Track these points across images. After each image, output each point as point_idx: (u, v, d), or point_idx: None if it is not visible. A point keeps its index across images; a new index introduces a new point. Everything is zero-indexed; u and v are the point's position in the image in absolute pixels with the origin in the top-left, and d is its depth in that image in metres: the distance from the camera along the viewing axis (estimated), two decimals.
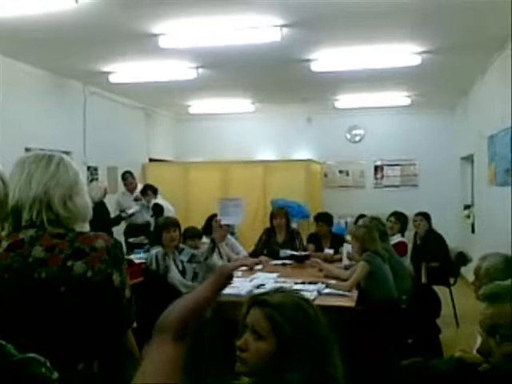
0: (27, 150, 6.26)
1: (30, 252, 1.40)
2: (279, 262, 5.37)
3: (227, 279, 1.14)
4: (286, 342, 1.39)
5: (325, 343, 1.43)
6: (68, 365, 1.26)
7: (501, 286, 1.63)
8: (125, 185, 7.60)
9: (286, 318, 1.41)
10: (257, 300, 1.49)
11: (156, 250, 4.24)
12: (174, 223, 4.39)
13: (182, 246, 4.47)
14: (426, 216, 6.42)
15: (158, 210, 6.83)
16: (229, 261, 5.29)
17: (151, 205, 7.04)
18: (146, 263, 4.29)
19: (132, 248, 6.23)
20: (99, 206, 6.60)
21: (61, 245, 1.41)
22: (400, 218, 5.95)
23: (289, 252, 5.43)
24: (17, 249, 1.40)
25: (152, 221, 6.77)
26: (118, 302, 1.45)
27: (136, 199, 7.27)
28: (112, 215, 7.21)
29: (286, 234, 5.71)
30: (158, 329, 0.76)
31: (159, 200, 7.28)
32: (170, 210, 6.99)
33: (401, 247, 5.45)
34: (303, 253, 5.33)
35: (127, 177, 7.56)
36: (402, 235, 5.88)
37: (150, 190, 7.29)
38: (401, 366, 1.77)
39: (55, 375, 0.82)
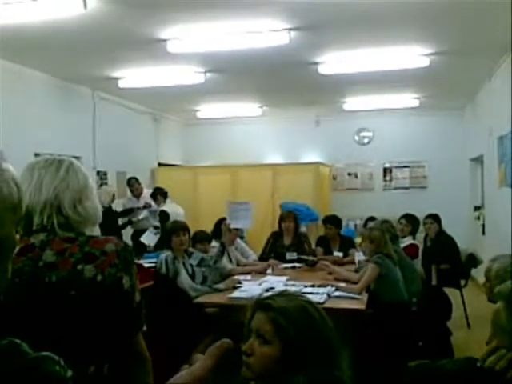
0: (37, 155, 6.31)
1: (41, 256, 1.41)
2: (288, 265, 5.37)
3: (226, 353, 1.14)
4: (291, 345, 1.39)
5: (331, 346, 1.43)
6: (79, 368, 1.27)
7: None
8: (131, 191, 7.65)
9: (290, 322, 1.41)
10: (261, 304, 1.48)
11: (165, 254, 4.26)
12: (182, 227, 4.41)
13: (191, 249, 4.48)
14: (436, 218, 6.38)
15: (163, 216, 6.85)
16: (238, 264, 5.30)
17: (158, 211, 7.07)
18: (156, 267, 4.31)
19: (141, 252, 6.25)
20: (107, 211, 6.64)
21: (71, 249, 1.42)
22: (411, 220, 5.91)
23: (295, 255, 5.43)
24: (28, 253, 1.41)
25: (159, 226, 6.83)
26: (128, 306, 1.44)
27: (145, 206, 7.30)
28: (119, 220, 7.26)
29: (294, 238, 5.70)
30: None
31: (169, 204, 7.31)
32: (178, 214, 7.01)
33: (412, 250, 5.41)
34: (310, 257, 5.31)
35: (133, 183, 7.61)
36: (413, 238, 5.84)
37: (159, 193, 7.32)
38: (408, 367, 1.76)
39: (69, 373, 0.84)
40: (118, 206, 7.40)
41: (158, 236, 6.87)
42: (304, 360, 1.36)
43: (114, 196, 7.14)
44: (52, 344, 1.11)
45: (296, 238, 5.71)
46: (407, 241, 5.62)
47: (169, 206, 7.23)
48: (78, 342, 1.34)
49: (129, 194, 7.76)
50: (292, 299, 1.50)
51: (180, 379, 0.85)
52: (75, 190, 1.49)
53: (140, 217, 7.24)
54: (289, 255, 5.49)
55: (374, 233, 4.40)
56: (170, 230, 4.40)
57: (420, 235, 6.45)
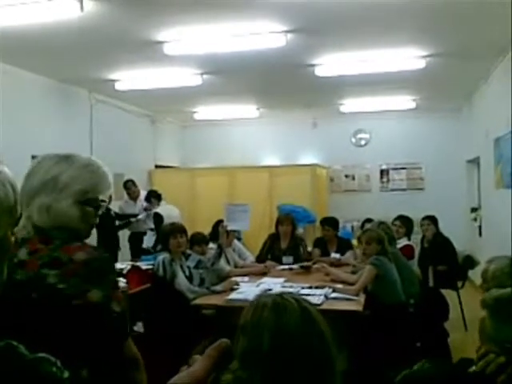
0: (33, 157, 6.30)
1: (17, 253, 1.39)
2: (286, 266, 5.38)
3: (224, 353, 1.13)
4: None
5: (328, 344, 1.42)
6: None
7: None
8: (127, 193, 7.61)
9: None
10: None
11: (163, 256, 4.26)
12: (180, 229, 4.41)
13: (188, 251, 4.49)
14: (433, 219, 6.40)
15: (158, 219, 6.84)
16: (235, 266, 5.30)
17: (152, 213, 7.05)
18: (154, 269, 4.31)
19: (139, 255, 6.25)
20: (105, 213, 6.64)
21: (42, 251, 1.40)
22: (405, 221, 5.94)
23: (291, 259, 5.46)
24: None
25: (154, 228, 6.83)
26: (104, 318, 1.39)
27: (146, 209, 7.28)
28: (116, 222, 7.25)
29: (290, 241, 5.70)
30: None
31: (163, 206, 7.30)
32: (173, 216, 6.98)
33: (407, 251, 5.43)
34: (305, 263, 5.31)
35: (130, 185, 7.59)
36: (409, 239, 5.87)
37: (153, 196, 7.31)
38: (390, 377, 1.76)
39: (66, 374, 0.84)
40: (115, 208, 7.39)
41: (146, 215, 6.95)
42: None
43: (110, 197, 7.13)
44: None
45: (293, 241, 5.71)
46: (402, 242, 5.65)
47: (163, 208, 7.22)
48: (40, 345, 1.32)
49: (126, 196, 7.75)
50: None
51: (179, 380, 0.85)
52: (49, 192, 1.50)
53: (139, 217, 7.24)
54: (285, 259, 5.51)
55: (371, 234, 4.41)
56: (168, 232, 4.40)
57: (417, 237, 6.47)
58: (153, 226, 7.03)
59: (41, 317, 1.34)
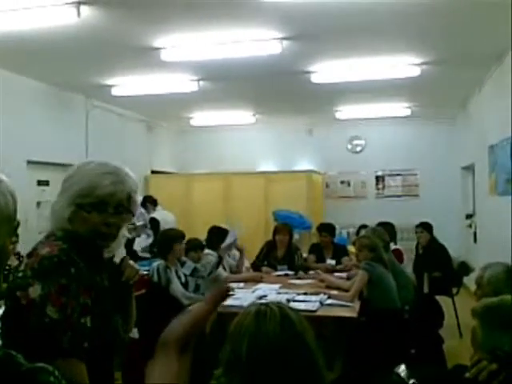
0: (29, 162, 6.30)
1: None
2: (281, 272, 5.38)
3: (226, 295, 1.15)
4: None
5: (311, 351, 1.42)
6: None
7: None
8: None
9: None
10: None
11: (158, 263, 4.26)
12: (183, 236, 4.43)
13: (184, 258, 4.47)
14: (427, 226, 6.42)
15: (154, 223, 6.84)
16: (231, 272, 5.30)
17: (148, 219, 7.05)
18: (149, 275, 4.31)
19: (134, 260, 6.23)
20: None
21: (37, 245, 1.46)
22: (388, 228, 5.95)
23: (286, 268, 5.49)
24: None
25: (151, 234, 6.82)
26: (34, 318, 1.30)
27: (145, 226, 7.18)
28: None
29: (286, 250, 5.70)
30: (161, 343, 0.77)
31: (159, 211, 7.29)
32: (168, 222, 6.98)
33: (396, 255, 5.43)
34: (301, 274, 5.35)
35: None
36: (395, 243, 5.87)
37: (149, 201, 7.30)
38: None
39: (63, 383, 0.84)
40: None
41: (150, 240, 6.88)
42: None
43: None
44: None
45: (289, 250, 5.71)
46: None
47: (159, 214, 7.22)
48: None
49: None
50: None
51: (180, 320, 0.86)
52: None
53: (138, 223, 7.22)
54: (280, 268, 5.52)
55: (363, 241, 4.42)
56: (173, 237, 4.37)
57: (412, 243, 6.48)
58: (149, 231, 7.02)
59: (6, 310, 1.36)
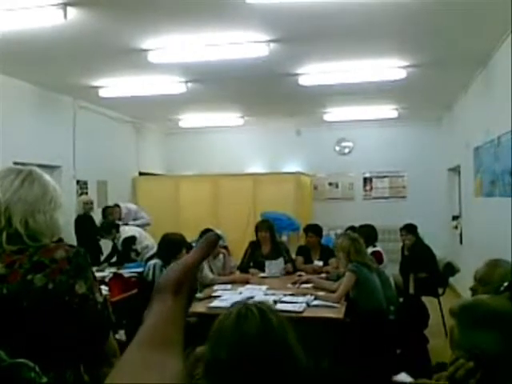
0: (16, 164, 6.26)
1: None
2: (268, 274, 5.40)
3: (215, 241, 1.19)
4: None
5: (291, 352, 1.44)
6: (53, 374, 1.28)
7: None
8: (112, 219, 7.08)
9: None
10: None
11: (154, 262, 4.32)
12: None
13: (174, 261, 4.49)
14: (411, 228, 6.48)
15: (128, 242, 6.33)
16: (219, 274, 5.33)
17: (120, 240, 6.35)
18: (143, 274, 4.36)
19: (122, 262, 6.19)
20: (83, 220, 6.59)
21: (20, 260, 1.41)
22: (369, 229, 5.98)
23: (274, 264, 5.50)
24: None
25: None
26: (91, 309, 1.44)
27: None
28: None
29: (271, 246, 5.73)
30: (157, 289, 0.80)
31: (125, 229, 6.59)
32: (142, 236, 6.56)
33: (376, 257, 5.45)
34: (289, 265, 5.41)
35: (110, 212, 7.17)
36: (373, 246, 5.91)
37: (112, 227, 6.51)
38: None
39: (44, 380, 0.85)
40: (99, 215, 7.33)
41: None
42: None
43: (89, 204, 7.02)
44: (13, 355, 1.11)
45: (274, 246, 5.74)
46: (370, 250, 5.67)
47: (129, 229, 6.61)
48: (38, 350, 1.33)
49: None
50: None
51: (173, 267, 0.89)
52: (27, 202, 1.46)
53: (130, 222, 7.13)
54: (268, 264, 5.53)
55: (343, 242, 4.42)
56: (182, 242, 4.40)
57: (397, 244, 6.52)
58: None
59: (34, 323, 1.36)
